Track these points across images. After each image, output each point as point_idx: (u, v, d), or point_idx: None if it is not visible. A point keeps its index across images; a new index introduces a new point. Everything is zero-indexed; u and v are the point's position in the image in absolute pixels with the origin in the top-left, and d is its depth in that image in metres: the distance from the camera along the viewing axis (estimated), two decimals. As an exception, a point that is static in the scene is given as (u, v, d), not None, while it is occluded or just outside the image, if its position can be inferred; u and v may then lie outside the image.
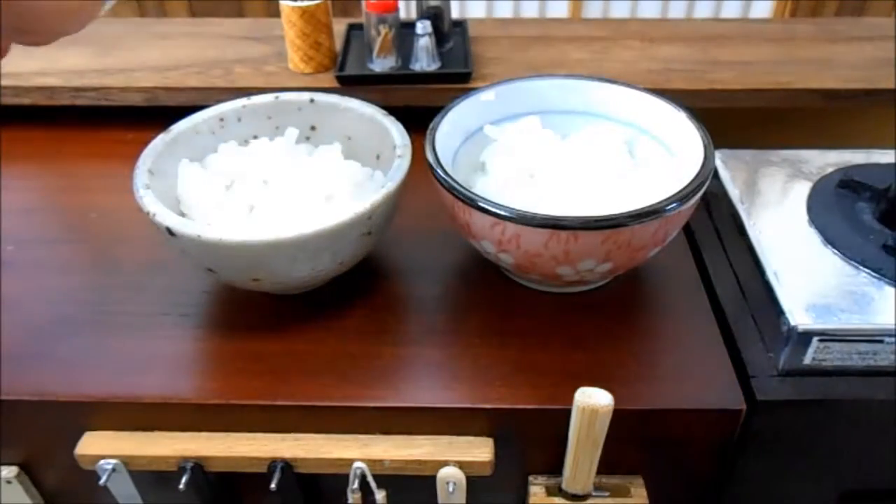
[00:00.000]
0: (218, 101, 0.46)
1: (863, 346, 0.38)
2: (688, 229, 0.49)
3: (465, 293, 0.44)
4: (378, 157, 0.45)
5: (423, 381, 0.39)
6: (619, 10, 1.42)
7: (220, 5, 1.34)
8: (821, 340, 0.38)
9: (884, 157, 0.51)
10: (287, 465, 0.38)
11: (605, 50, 0.65)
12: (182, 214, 0.40)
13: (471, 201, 0.37)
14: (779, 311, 0.39)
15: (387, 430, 0.39)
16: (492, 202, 0.36)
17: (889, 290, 0.40)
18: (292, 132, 0.45)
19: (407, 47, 0.61)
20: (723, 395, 0.37)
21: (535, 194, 0.40)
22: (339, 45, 0.64)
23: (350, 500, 0.39)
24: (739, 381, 0.38)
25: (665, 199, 0.36)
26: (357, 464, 0.38)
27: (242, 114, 0.46)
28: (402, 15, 0.63)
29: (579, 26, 0.70)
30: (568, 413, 0.36)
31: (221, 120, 0.45)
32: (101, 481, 0.39)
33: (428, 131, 0.42)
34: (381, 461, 0.38)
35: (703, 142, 0.40)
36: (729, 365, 0.39)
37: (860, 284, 0.40)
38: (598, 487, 0.40)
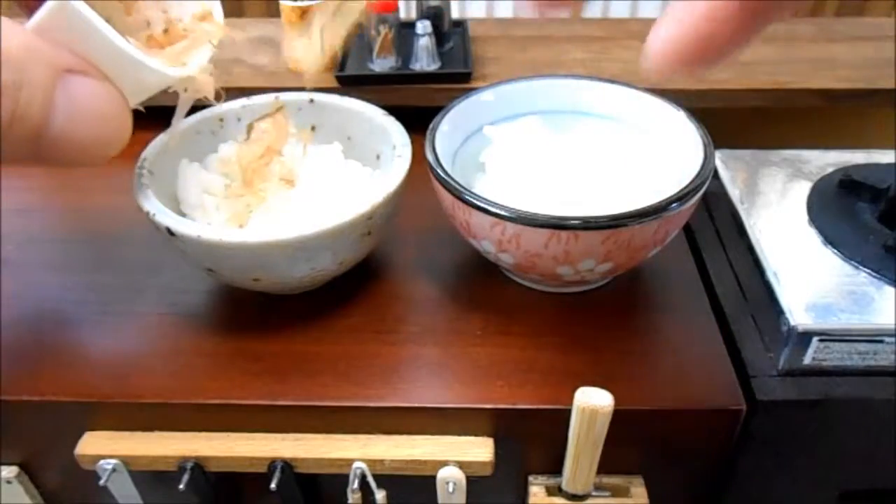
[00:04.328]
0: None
1: (863, 346, 0.38)
2: (688, 229, 0.49)
3: (465, 293, 0.44)
4: (378, 157, 0.45)
5: (423, 381, 0.39)
6: (619, 10, 1.42)
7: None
8: (821, 340, 0.38)
9: (884, 157, 0.51)
10: (287, 465, 0.38)
11: (604, 50, 0.65)
12: (182, 214, 0.40)
13: (471, 201, 0.37)
14: (779, 311, 0.40)
15: (387, 430, 0.39)
16: (492, 202, 0.36)
17: (889, 290, 0.40)
18: (292, 132, 0.45)
19: (407, 47, 0.61)
20: (723, 395, 0.37)
21: (535, 194, 0.40)
22: (339, 45, 0.64)
23: (350, 500, 0.39)
24: (739, 381, 0.38)
25: (665, 199, 0.36)
26: (357, 464, 0.38)
27: (242, 114, 0.46)
28: (402, 15, 0.63)
29: (579, 26, 0.70)
30: (568, 413, 0.36)
31: (221, 120, 0.45)
32: (101, 481, 0.39)
33: (428, 131, 0.42)
34: (381, 461, 0.38)
35: (703, 142, 0.40)
36: (729, 365, 0.39)
37: (860, 284, 0.40)
38: (598, 487, 0.40)
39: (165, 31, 0.33)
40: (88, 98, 0.27)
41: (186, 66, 0.33)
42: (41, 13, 0.26)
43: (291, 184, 0.41)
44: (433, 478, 0.38)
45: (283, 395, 0.38)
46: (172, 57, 0.33)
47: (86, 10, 0.27)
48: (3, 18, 0.24)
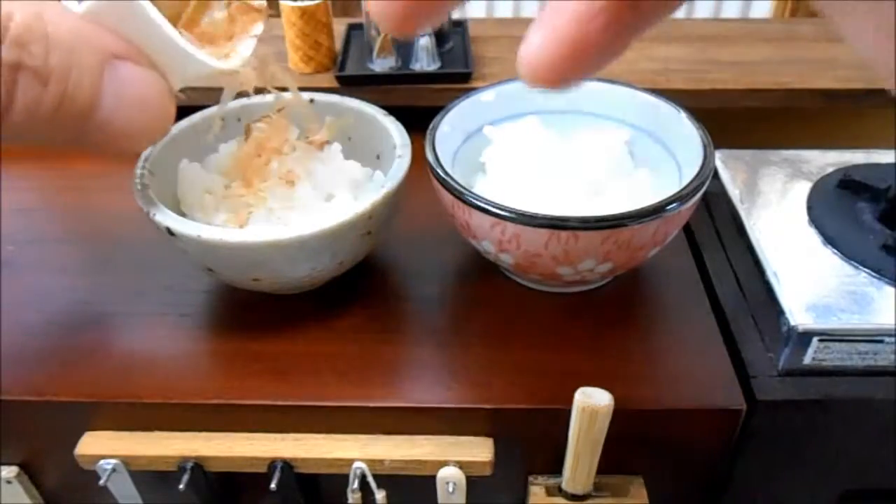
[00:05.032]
0: (218, 101, 0.46)
1: (863, 346, 0.38)
2: (688, 229, 0.49)
3: (465, 293, 0.44)
4: (378, 157, 0.44)
5: (423, 381, 0.39)
6: (619, 10, 1.41)
7: (220, 5, 1.34)
8: (821, 340, 0.38)
9: (884, 157, 0.51)
10: (287, 465, 0.38)
11: (604, 50, 0.65)
12: (182, 214, 0.40)
13: (471, 201, 0.37)
14: (779, 311, 0.39)
15: (387, 430, 0.39)
16: (492, 202, 0.36)
17: (889, 290, 0.40)
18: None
19: (407, 47, 0.61)
20: (723, 395, 0.37)
21: (535, 194, 0.40)
22: (339, 45, 0.64)
23: (350, 500, 0.39)
24: (739, 381, 0.38)
25: (665, 199, 0.36)
26: (357, 464, 0.38)
27: (242, 114, 0.46)
28: (402, 15, 0.63)
29: (579, 26, 0.70)
30: (568, 413, 0.36)
31: (222, 120, 0.45)
32: (101, 481, 0.39)
33: (428, 131, 0.42)
34: (381, 461, 0.38)
35: (703, 142, 0.40)
36: (729, 365, 0.39)
37: (860, 284, 0.40)
38: (598, 487, 0.40)
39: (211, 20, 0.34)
40: (135, 84, 0.27)
41: (231, 59, 0.33)
42: None
43: (291, 184, 0.41)
44: (433, 478, 0.38)
45: (283, 395, 0.38)
46: (216, 45, 0.33)
47: None
48: (53, 2, 0.25)
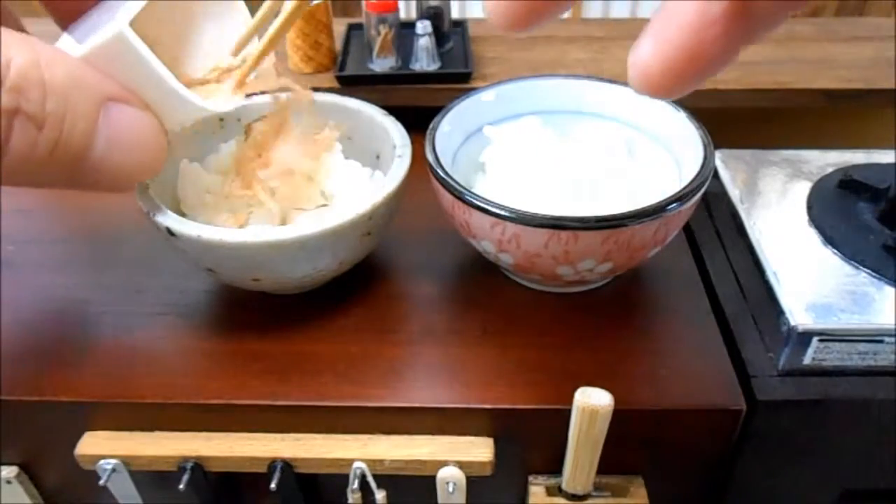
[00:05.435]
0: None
1: (863, 346, 0.38)
2: (688, 229, 0.49)
3: (465, 293, 0.44)
4: (378, 157, 0.44)
5: (423, 381, 0.39)
6: (619, 10, 1.42)
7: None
8: (821, 340, 0.38)
9: (884, 157, 0.51)
10: (287, 465, 0.38)
11: (604, 50, 0.65)
12: (182, 214, 0.40)
13: (471, 201, 0.37)
14: (779, 311, 0.40)
15: (387, 430, 0.39)
16: (492, 202, 0.36)
17: (889, 290, 0.40)
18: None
19: (407, 47, 0.61)
20: (723, 395, 0.37)
21: (535, 194, 0.40)
22: (339, 45, 0.64)
23: (350, 500, 0.39)
24: (739, 381, 0.38)
25: (665, 199, 0.36)
26: (357, 464, 0.38)
27: (242, 114, 0.46)
28: (402, 15, 0.63)
29: (579, 26, 0.70)
30: (568, 413, 0.36)
31: (221, 120, 0.45)
32: (101, 481, 0.39)
33: (428, 131, 0.42)
34: (381, 461, 0.38)
35: (703, 142, 0.40)
36: (729, 365, 0.39)
37: (860, 284, 0.40)
38: (598, 487, 0.40)
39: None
40: (128, 126, 0.28)
41: (222, 100, 0.34)
42: (96, 42, 0.27)
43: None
44: (433, 478, 0.38)
45: (283, 395, 0.38)
46: (209, 91, 0.34)
47: (139, 44, 0.27)
48: (50, 48, 0.25)
